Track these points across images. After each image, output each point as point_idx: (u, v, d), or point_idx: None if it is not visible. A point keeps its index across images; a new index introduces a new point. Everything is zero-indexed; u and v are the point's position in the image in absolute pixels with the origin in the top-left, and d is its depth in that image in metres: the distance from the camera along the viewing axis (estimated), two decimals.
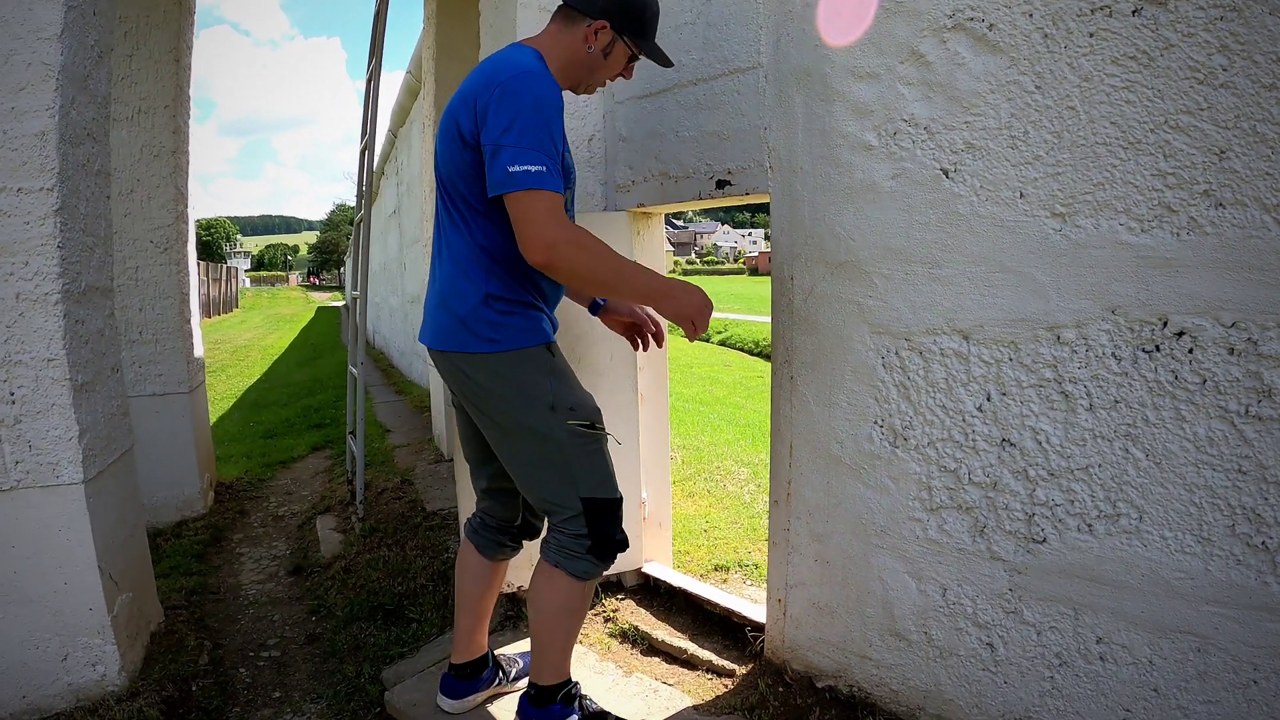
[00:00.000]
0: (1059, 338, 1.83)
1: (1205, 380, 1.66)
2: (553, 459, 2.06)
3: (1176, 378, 1.70)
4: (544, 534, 2.21)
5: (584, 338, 2.82)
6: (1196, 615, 1.71)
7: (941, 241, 1.98)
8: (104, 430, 2.54)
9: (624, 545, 2.15)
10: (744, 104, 2.40)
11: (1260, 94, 1.54)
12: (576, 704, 2.21)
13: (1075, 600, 1.86)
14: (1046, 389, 1.86)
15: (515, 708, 2.25)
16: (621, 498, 2.16)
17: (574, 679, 2.24)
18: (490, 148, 1.88)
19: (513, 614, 2.89)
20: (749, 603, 2.73)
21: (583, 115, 2.95)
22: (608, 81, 2.22)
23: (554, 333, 2.16)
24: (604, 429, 2.13)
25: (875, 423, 2.14)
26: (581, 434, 2.06)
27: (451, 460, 5.39)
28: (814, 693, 2.28)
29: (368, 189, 4.25)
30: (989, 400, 1.95)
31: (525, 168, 1.83)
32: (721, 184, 2.49)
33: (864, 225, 2.11)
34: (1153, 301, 1.70)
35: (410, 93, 8.09)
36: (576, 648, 2.61)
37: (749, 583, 3.24)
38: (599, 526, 2.07)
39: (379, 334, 16.11)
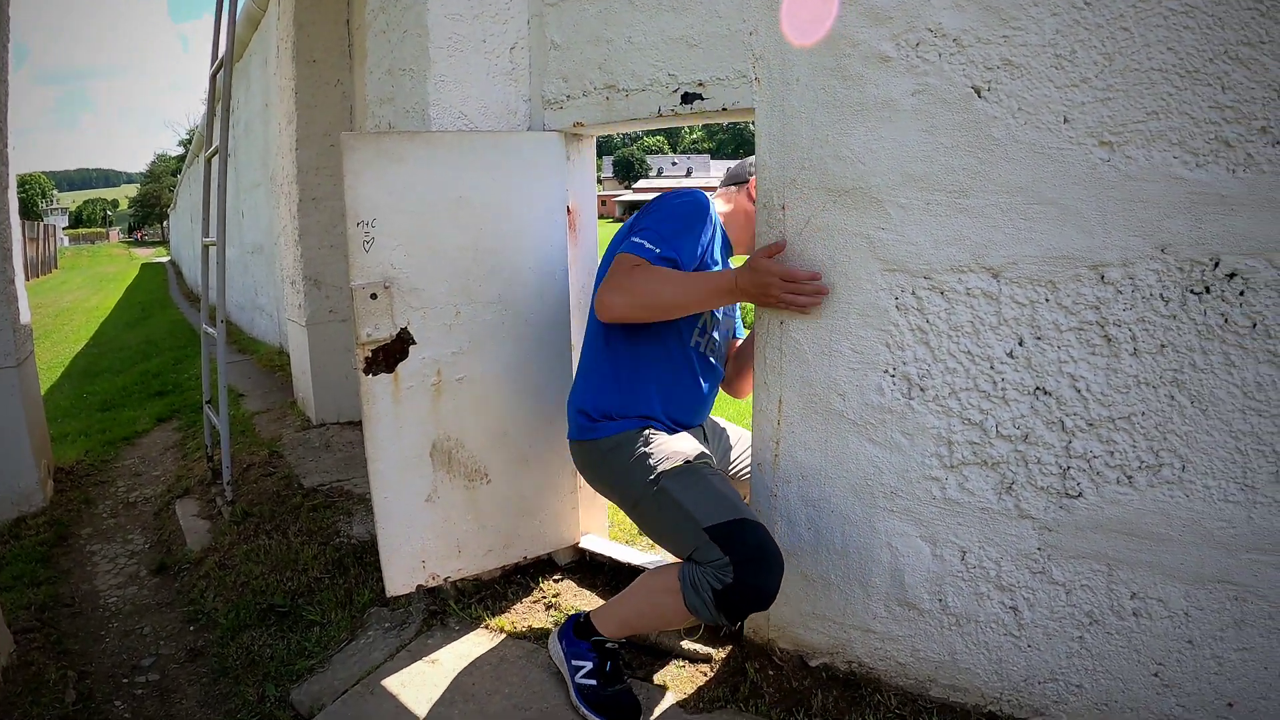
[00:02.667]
0: (1103, 277, 1.77)
1: (1255, 324, 1.65)
2: (667, 508, 2.01)
3: (1226, 320, 1.68)
4: None
5: (512, 281, 2.49)
6: (1236, 564, 1.72)
7: (971, 168, 1.86)
8: None
9: (761, 601, 1.91)
10: (721, 4, 2.13)
11: None
12: (604, 661, 2.15)
13: (1110, 556, 1.84)
14: (1088, 332, 1.80)
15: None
16: (754, 521, 1.94)
17: (619, 642, 2.20)
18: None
19: (439, 610, 2.56)
20: None
21: (504, 19, 2.53)
22: None
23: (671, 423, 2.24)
24: (702, 463, 2.08)
25: (886, 372, 2.01)
26: (677, 472, 2.04)
27: (323, 426, 4.82)
28: (808, 672, 2.17)
29: (224, 115, 3.58)
30: (1021, 345, 1.87)
31: (640, 241, 2.04)
32: (690, 97, 2.23)
33: (877, 147, 1.94)
34: (1205, 240, 1.67)
35: (250, 22, 7.04)
36: (520, 644, 2.38)
37: None
38: (737, 549, 1.89)
39: (212, 288, 14.95)
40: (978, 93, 1.83)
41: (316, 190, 4.71)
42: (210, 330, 3.76)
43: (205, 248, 3.89)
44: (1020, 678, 1.97)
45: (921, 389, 1.97)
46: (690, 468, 2.05)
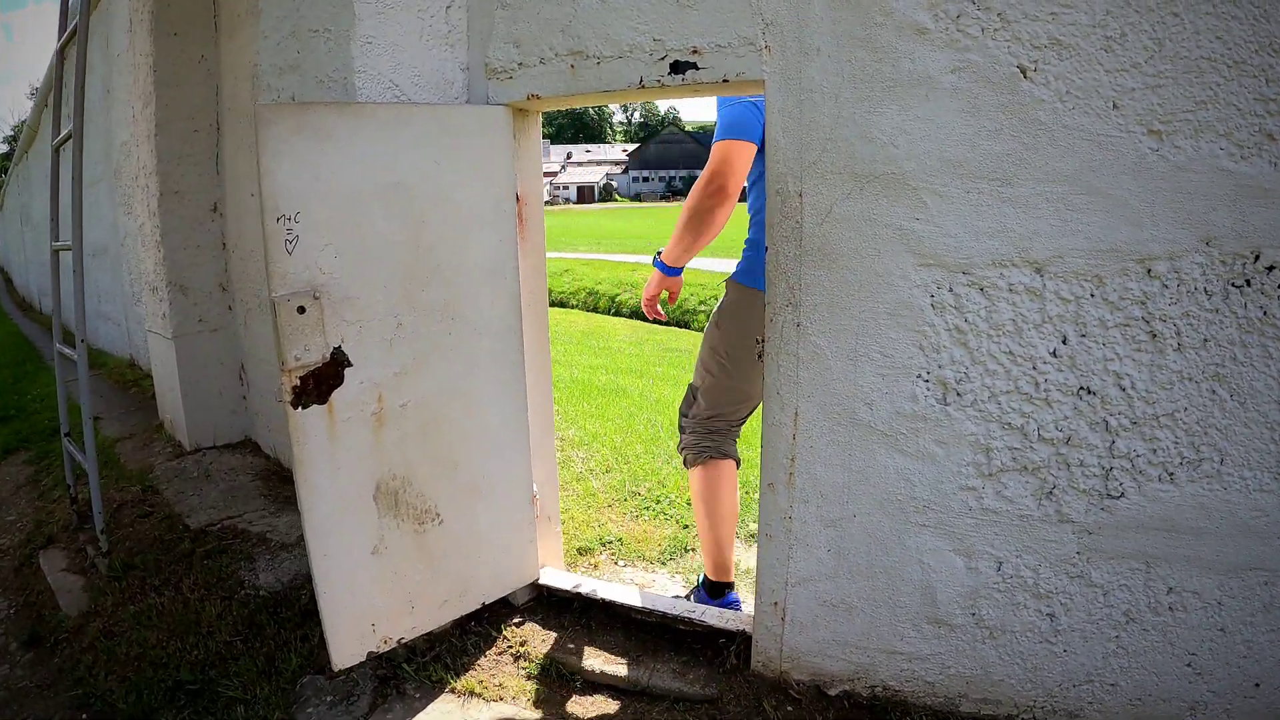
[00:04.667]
0: (1150, 271, 1.57)
1: None
2: None
3: (1265, 314, 1.54)
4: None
5: (456, 283, 1.95)
6: (1267, 550, 1.60)
7: (1016, 154, 1.59)
8: None
9: None
10: None
11: None
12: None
13: (1149, 553, 1.66)
14: (1133, 328, 1.59)
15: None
16: None
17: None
18: None
19: (389, 675, 1.97)
20: (694, 604, 2.17)
21: None
22: None
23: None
24: None
25: (920, 377, 1.71)
26: None
27: (198, 452, 3.86)
28: (828, 703, 1.85)
29: (79, 94, 2.65)
30: (1065, 343, 1.63)
31: None
32: (681, 66, 1.79)
33: (912, 129, 1.63)
34: (1248, 233, 1.52)
35: None
36: (496, 707, 1.88)
37: (622, 563, 2.65)
38: None
39: (45, 294, 11.85)
40: (1024, 73, 1.57)
41: (180, 182, 3.77)
42: (67, 352, 2.84)
43: (56, 253, 2.93)
44: (1055, 683, 1.76)
45: (958, 394, 1.69)
46: None
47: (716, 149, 2.01)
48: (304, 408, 1.75)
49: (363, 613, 1.86)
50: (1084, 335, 1.62)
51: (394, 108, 1.84)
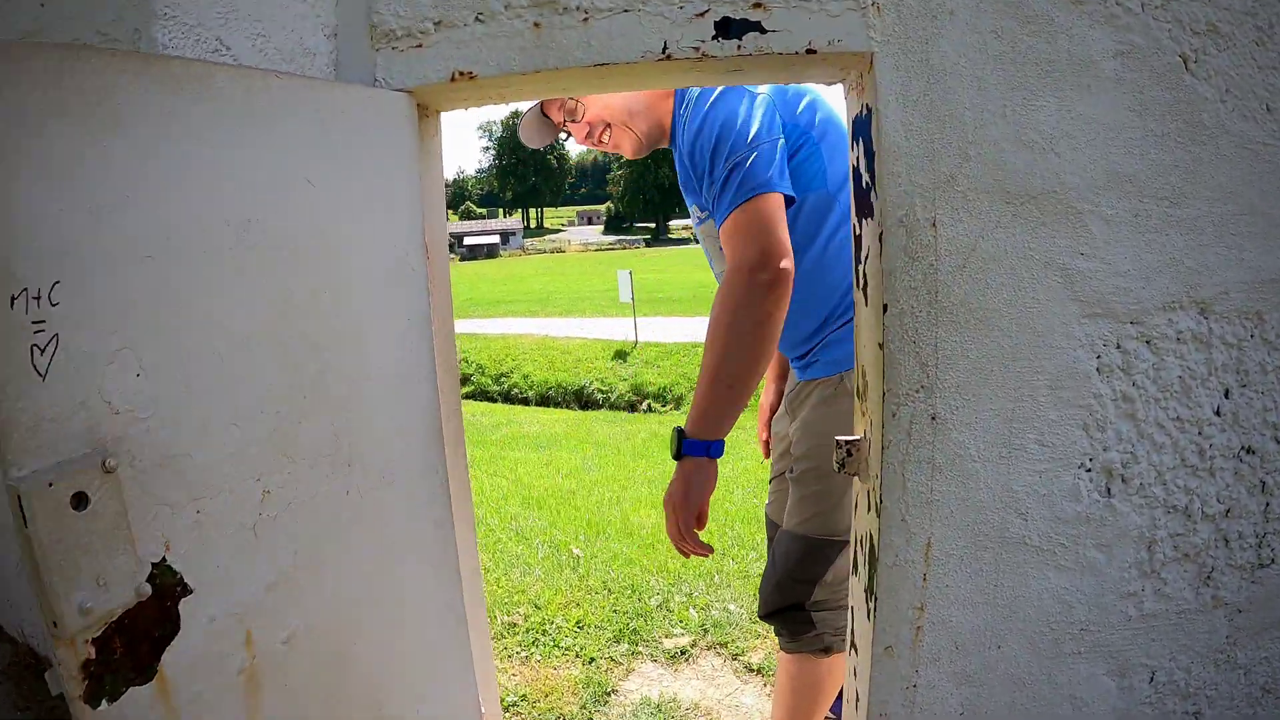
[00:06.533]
0: None
1: None
2: None
3: None
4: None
5: (353, 399, 1.03)
6: None
7: (1184, 166, 1.19)
8: None
9: None
10: None
11: None
12: None
13: None
14: None
15: None
16: None
17: None
18: None
19: None
20: None
21: None
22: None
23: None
24: None
25: (1083, 466, 1.23)
26: None
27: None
28: None
29: None
30: (1228, 398, 1.27)
31: None
32: (733, 27, 1.06)
33: (1074, 129, 1.15)
34: None
35: None
36: None
37: None
38: None
39: None
40: (1185, 63, 1.18)
41: None
42: None
43: None
44: None
45: (1123, 480, 1.26)
46: None
47: (747, 216, 1.34)
48: (110, 700, 0.76)
49: None
50: (1244, 385, 1.28)
51: (246, 74, 0.89)
